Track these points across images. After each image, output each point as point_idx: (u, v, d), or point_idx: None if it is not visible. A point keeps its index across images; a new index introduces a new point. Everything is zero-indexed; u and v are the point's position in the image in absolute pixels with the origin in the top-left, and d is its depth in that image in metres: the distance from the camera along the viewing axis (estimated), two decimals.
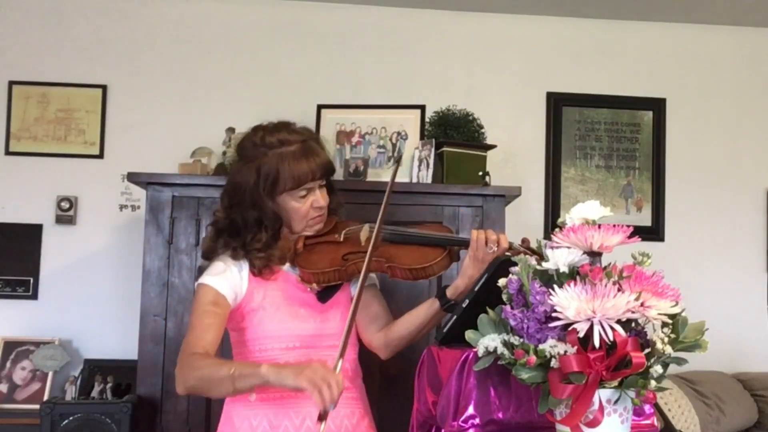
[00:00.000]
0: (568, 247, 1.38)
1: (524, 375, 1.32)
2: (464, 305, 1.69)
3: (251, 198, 1.85)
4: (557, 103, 3.69)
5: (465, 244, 1.86)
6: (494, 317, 1.44)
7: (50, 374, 3.15)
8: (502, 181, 3.09)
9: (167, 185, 2.77)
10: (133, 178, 2.82)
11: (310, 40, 3.59)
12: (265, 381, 1.62)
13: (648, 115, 3.75)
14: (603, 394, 1.29)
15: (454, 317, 1.72)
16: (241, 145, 1.93)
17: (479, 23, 3.68)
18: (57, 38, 3.46)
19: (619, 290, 1.28)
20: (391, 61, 3.62)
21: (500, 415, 1.48)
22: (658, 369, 1.30)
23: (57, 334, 3.28)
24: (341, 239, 1.93)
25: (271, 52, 3.56)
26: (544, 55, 3.72)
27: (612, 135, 3.72)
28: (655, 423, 1.51)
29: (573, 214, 1.45)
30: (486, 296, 1.58)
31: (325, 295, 1.91)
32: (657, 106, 3.74)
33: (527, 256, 1.53)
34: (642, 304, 1.27)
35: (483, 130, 3.10)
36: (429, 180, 2.91)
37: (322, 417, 1.54)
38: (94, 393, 2.94)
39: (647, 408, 1.48)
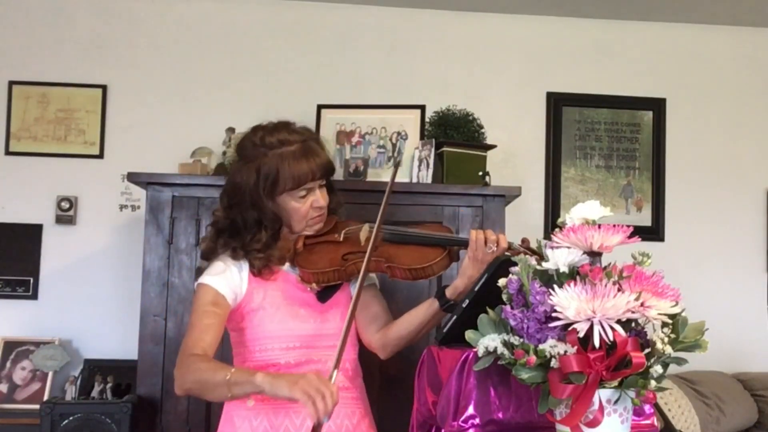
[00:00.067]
0: (568, 247, 1.38)
1: (524, 375, 1.32)
2: (464, 305, 1.68)
3: (251, 198, 1.85)
4: (557, 103, 3.69)
5: (464, 244, 1.86)
6: (494, 317, 1.44)
7: (50, 374, 3.15)
8: (502, 181, 3.09)
9: (167, 185, 2.77)
10: (133, 178, 2.82)
11: (310, 40, 3.59)
12: (260, 390, 1.61)
13: (648, 115, 3.75)
14: (603, 394, 1.29)
15: (454, 317, 1.71)
16: (240, 145, 1.93)
17: (479, 23, 3.68)
18: (57, 38, 3.47)
19: (619, 290, 1.28)
20: (391, 61, 3.62)
21: (500, 415, 1.48)
22: (658, 369, 1.30)
23: (57, 334, 3.28)
24: (341, 239, 1.93)
25: (271, 52, 3.56)
26: (544, 55, 3.72)
27: (612, 135, 3.72)
28: (655, 423, 1.51)
29: (573, 214, 1.45)
30: (486, 296, 1.58)
31: (324, 295, 1.91)
32: (657, 106, 3.74)
33: (527, 256, 1.53)
34: (642, 304, 1.27)
35: (483, 130, 3.10)
36: (429, 180, 2.91)
37: (316, 429, 1.52)
38: (94, 393, 2.94)
39: (647, 408, 1.48)
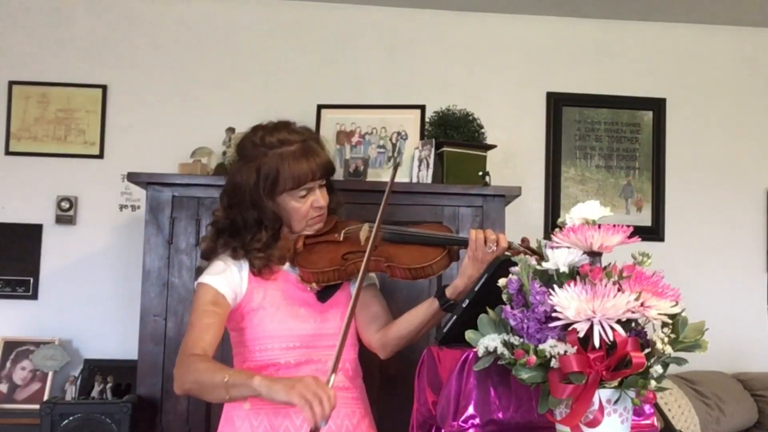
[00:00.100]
0: (568, 247, 1.38)
1: (524, 375, 1.32)
2: (464, 305, 1.68)
3: (251, 198, 1.85)
4: (557, 103, 3.69)
5: (464, 243, 1.86)
6: (494, 317, 1.44)
7: (50, 374, 3.15)
8: (502, 181, 3.09)
9: (167, 185, 2.77)
10: (133, 178, 2.82)
11: (310, 40, 3.59)
12: (257, 393, 1.59)
13: (648, 115, 3.75)
14: (603, 394, 1.29)
15: (454, 317, 1.71)
16: (240, 145, 1.93)
17: (479, 23, 3.68)
18: (57, 38, 3.47)
19: (619, 290, 1.28)
20: (391, 61, 3.62)
21: (500, 415, 1.48)
22: (658, 369, 1.30)
23: (57, 334, 3.28)
24: (341, 239, 1.93)
25: (271, 52, 3.56)
26: (544, 55, 3.72)
27: (612, 135, 3.72)
28: (655, 423, 1.51)
29: (573, 214, 1.45)
30: (486, 296, 1.58)
31: (324, 294, 1.91)
32: (657, 106, 3.74)
33: (527, 256, 1.53)
34: (642, 304, 1.27)
35: (483, 130, 3.10)
36: (429, 180, 2.91)
37: None
38: (94, 393, 2.94)
39: (647, 408, 1.48)
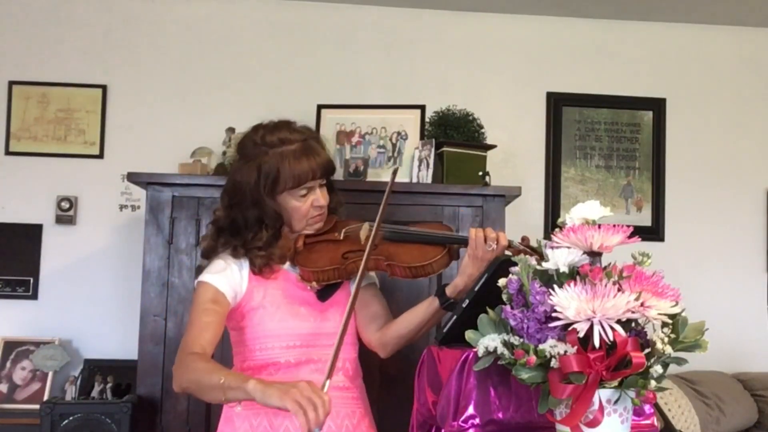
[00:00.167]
0: (568, 247, 1.38)
1: (524, 375, 1.32)
2: (464, 305, 1.68)
3: (252, 197, 1.85)
4: (557, 103, 3.69)
5: (464, 242, 1.86)
6: (494, 317, 1.43)
7: (50, 374, 3.15)
8: (502, 181, 3.09)
9: (167, 185, 2.77)
10: (133, 178, 2.82)
11: (310, 40, 3.59)
12: (251, 398, 1.56)
13: (648, 115, 3.75)
14: (603, 394, 1.29)
15: (454, 317, 1.71)
16: (241, 144, 1.93)
17: (479, 23, 3.68)
18: (57, 38, 3.47)
19: (619, 290, 1.28)
20: (391, 61, 3.62)
21: (500, 415, 1.48)
22: (658, 369, 1.30)
23: (57, 334, 3.28)
24: (341, 238, 1.93)
25: (271, 52, 3.56)
26: (544, 55, 3.72)
27: (612, 135, 3.72)
28: (655, 423, 1.51)
29: (573, 214, 1.45)
30: (486, 296, 1.57)
31: (324, 293, 1.91)
32: (657, 106, 3.74)
33: (527, 255, 1.53)
34: (642, 304, 1.27)
35: (483, 130, 3.10)
36: (429, 180, 2.91)
37: None
38: (94, 393, 2.94)
39: (647, 408, 1.48)
